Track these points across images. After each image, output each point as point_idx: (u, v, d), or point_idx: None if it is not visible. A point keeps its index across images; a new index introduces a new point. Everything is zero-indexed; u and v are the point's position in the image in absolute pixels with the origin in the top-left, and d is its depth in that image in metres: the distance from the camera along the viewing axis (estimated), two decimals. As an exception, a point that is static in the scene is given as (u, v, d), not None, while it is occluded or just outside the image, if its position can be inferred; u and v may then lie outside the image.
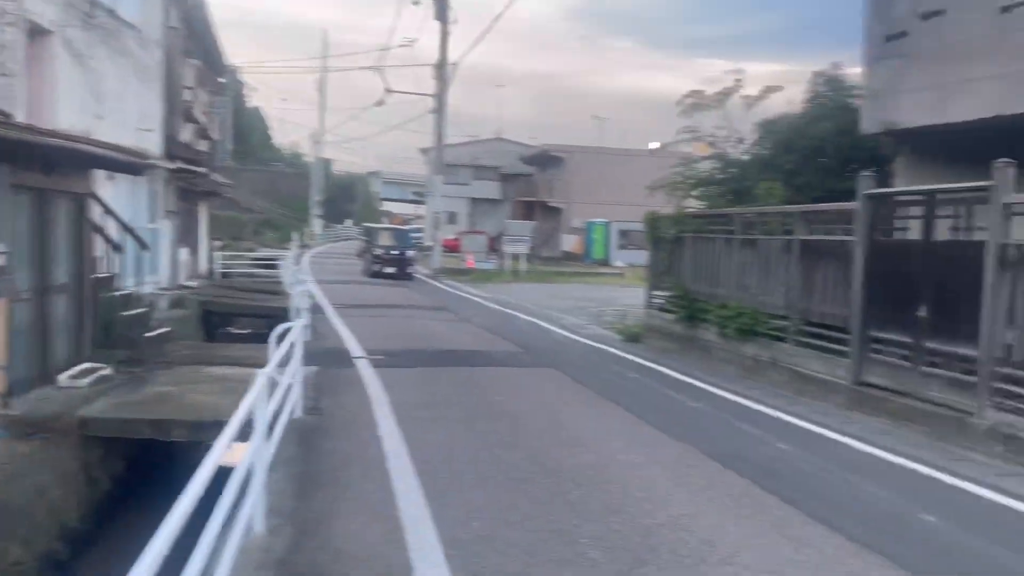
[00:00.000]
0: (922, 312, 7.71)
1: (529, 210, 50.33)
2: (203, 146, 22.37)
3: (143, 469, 8.28)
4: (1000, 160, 6.95)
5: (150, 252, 14.47)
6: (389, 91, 35.58)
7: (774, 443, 7.16)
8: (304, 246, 41.42)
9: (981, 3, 8.78)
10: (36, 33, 10.66)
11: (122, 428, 7.59)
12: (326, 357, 10.53)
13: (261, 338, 7.95)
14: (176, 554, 2.78)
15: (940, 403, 7.45)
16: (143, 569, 2.05)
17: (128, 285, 12.48)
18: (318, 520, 4.71)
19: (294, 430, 6.64)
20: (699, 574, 4.16)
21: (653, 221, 13.85)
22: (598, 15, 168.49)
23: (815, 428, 7.78)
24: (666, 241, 13.45)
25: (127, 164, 10.77)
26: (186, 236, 20.86)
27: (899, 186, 10.15)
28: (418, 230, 43.05)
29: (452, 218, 55.17)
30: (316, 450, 6.26)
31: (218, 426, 3.72)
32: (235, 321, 19.70)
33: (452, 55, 32.78)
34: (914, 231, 8.35)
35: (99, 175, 11.10)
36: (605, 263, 41.39)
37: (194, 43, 21.00)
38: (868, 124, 10.59)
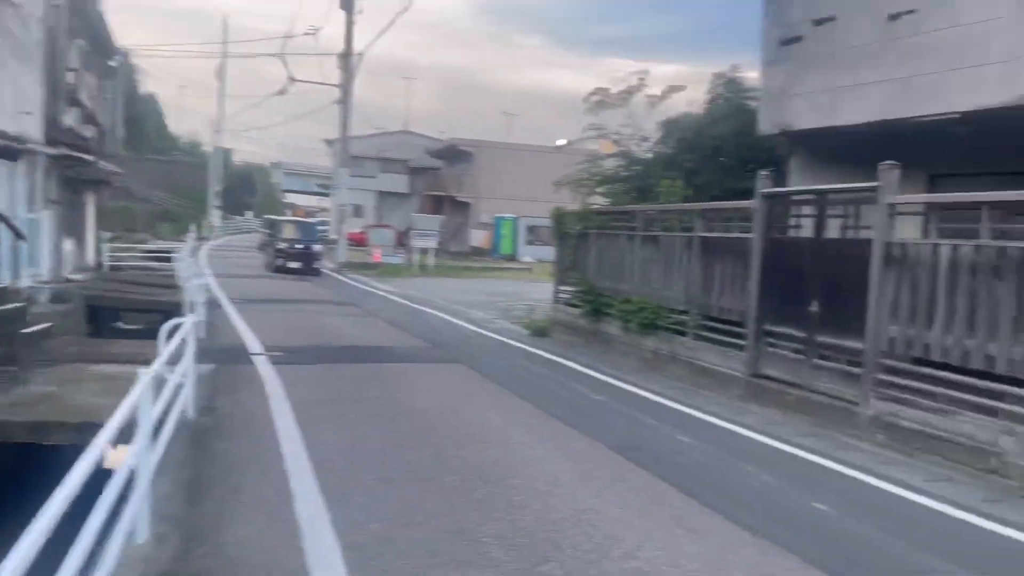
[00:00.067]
0: (814, 307, 8.03)
1: (437, 204, 49.97)
2: (90, 132, 21.10)
3: (19, 476, 7.71)
4: (885, 162, 7.31)
5: (28, 243, 13.55)
6: (293, 80, 34.68)
7: (674, 435, 7.31)
8: (202, 238, 39.88)
9: (871, 10, 9.18)
10: None
11: (-7, 432, 7.05)
12: (223, 354, 10.12)
13: (154, 334, 7.56)
14: (48, 565, 2.56)
15: (830, 394, 7.79)
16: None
17: (3, 278, 11.64)
18: (209, 526, 4.48)
19: (186, 431, 6.33)
20: (601, 570, 4.17)
21: (559, 217, 13.97)
22: (508, 12, 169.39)
23: (713, 420, 8.01)
24: (572, 237, 13.58)
25: (0, 148, 10.02)
26: (72, 227, 19.65)
27: (794, 186, 10.53)
28: (323, 223, 42.10)
29: (358, 211, 54.29)
30: (209, 452, 5.98)
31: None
32: (124, 316, 18.69)
33: (358, 45, 32.30)
34: (808, 229, 8.69)
35: (-31, 160, 10.30)
36: (513, 258, 41.58)
37: (80, 22, 19.78)
38: (765, 125, 10.93)
